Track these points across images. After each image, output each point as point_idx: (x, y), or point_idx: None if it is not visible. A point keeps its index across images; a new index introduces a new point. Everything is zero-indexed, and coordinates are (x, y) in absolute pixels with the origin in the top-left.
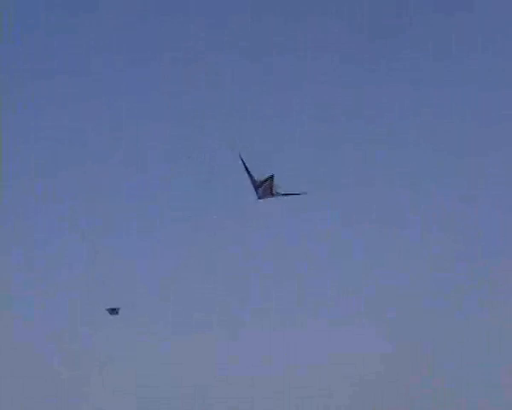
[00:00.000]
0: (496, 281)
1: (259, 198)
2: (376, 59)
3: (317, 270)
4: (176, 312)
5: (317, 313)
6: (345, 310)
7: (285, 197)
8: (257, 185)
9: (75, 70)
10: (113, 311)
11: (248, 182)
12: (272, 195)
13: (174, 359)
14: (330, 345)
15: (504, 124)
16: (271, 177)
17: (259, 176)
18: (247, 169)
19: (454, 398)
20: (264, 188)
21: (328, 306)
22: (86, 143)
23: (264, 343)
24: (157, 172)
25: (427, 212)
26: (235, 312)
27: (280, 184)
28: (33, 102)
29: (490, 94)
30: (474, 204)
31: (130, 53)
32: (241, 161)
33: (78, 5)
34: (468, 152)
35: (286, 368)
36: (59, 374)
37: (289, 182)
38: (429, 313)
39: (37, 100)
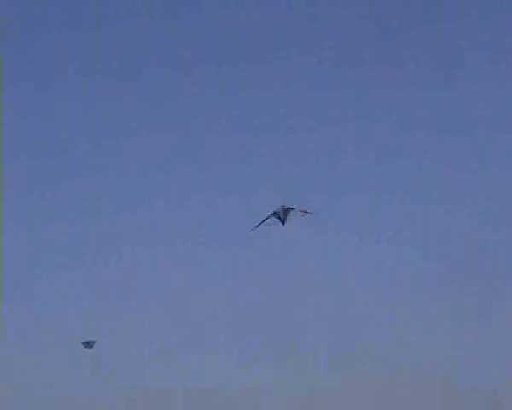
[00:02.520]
0: (496, 281)
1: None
2: (376, 59)
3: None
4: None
5: None
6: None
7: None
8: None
9: (75, 71)
10: (88, 344)
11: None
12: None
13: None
14: None
15: (504, 124)
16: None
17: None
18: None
19: (454, 398)
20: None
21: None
22: (86, 147)
23: None
24: (157, 173)
25: (428, 213)
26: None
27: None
28: (33, 102)
29: (490, 94)
30: (474, 204)
31: (131, 56)
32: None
33: (79, 5)
34: (468, 152)
35: None
36: (60, 375)
37: (289, 185)
38: (429, 312)
39: (37, 100)
